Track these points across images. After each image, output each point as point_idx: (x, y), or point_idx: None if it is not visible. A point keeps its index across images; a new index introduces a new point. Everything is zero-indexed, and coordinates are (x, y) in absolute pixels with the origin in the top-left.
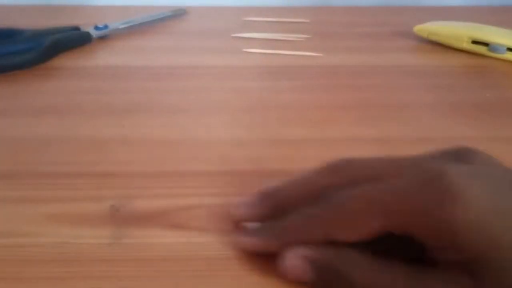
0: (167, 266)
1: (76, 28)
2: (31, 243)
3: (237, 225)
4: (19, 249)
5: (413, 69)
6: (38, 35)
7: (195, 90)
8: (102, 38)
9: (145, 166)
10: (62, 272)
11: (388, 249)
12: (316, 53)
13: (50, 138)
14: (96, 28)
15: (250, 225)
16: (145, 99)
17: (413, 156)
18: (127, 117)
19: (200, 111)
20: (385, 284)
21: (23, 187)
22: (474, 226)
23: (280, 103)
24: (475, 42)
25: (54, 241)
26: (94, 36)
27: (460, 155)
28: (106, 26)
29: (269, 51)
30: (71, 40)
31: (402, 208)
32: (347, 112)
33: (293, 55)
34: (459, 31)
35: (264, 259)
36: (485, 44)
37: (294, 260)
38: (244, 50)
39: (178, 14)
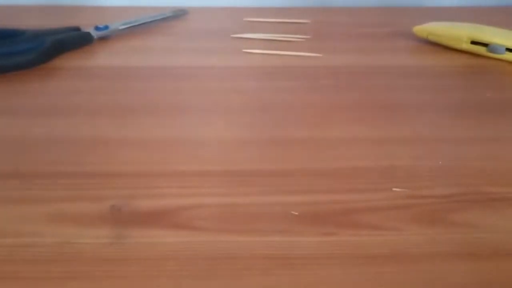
0: (167, 266)
1: (77, 29)
2: (31, 243)
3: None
4: (19, 249)
5: (412, 69)
6: (39, 36)
7: (196, 90)
8: (103, 38)
9: (145, 166)
10: (62, 272)
11: None
12: (316, 53)
13: (51, 138)
14: (97, 28)
15: None
16: (145, 100)
17: None
18: (128, 117)
19: (200, 111)
20: None
21: (24, 187)
22: None
23: (280, 103)
24: (474, 42)
25: (55, 241)
26: (95, 36)
27: None
28: (107, 27)
29: (269, 52)
30: (72, 41)
31: None
32: (347, 112)
33: (293, 55)
34: (459, 32)
35: (264, 259)
36: (485, 44)
37: None
38: (244, 50)
39: (179, 14)
